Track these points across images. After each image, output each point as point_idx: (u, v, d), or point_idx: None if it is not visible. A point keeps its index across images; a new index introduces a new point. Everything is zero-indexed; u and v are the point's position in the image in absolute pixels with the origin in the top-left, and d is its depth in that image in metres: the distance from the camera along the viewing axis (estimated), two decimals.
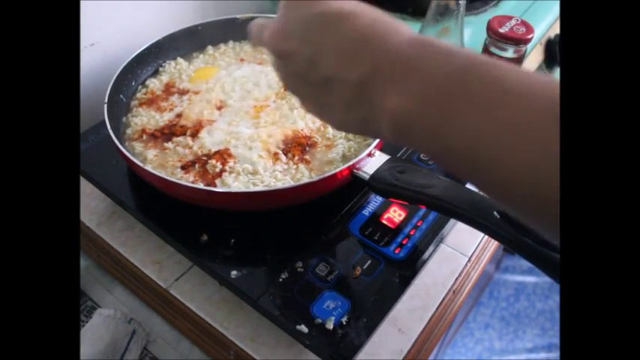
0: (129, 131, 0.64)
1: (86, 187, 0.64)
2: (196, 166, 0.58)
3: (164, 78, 0.72)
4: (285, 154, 0.60)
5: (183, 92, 0.69)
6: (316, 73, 0.33)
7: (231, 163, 0.58)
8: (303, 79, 0.34)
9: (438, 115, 0.28)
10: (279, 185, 0.56)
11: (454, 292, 0.58)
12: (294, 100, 0.66)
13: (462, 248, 0.61)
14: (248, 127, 0.63)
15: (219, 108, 0.66)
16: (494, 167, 0.26)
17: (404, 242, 0.56)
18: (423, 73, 0.29)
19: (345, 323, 0.49)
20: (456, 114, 0.27)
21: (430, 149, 0.30)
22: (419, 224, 0.58)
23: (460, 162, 0.28)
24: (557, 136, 0.24)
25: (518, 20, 0.66)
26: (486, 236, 0.62)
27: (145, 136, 0.63)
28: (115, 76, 0.65)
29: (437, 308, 0.56)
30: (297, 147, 0.60)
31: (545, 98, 0.25)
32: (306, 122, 0.64)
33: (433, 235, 0.57)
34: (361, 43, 0.31)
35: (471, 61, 0.28)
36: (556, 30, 0.89)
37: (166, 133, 0.63)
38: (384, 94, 0.30)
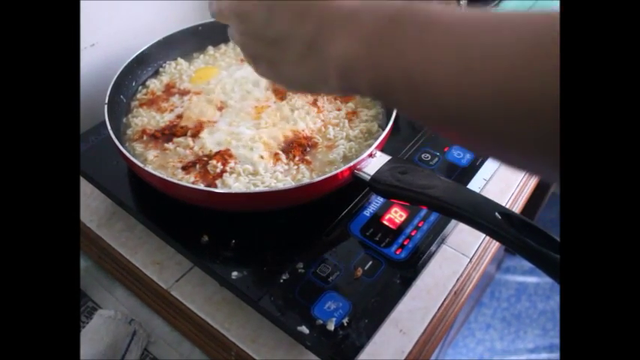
0: (129, 132, 0.64)
1: (86, 188, 0.64)
2: (197, 166, 0.58)
3: (164, 78, 0.72)
4: (286, 155, 0.59)
5: (183, 93, 0.69)
6: (271, 31, 0.36)
7: (231, 163, 0.58)
8: (259, 37, 0.38)
9: (378, 48, 0.31)
10: (280, 186, 0.56)
11: (455, 292, 0.58)
12: (295, 101, 0.66)
13: (464, 249, 0.61)
14: (249, 127, 0.62)
15: (220, 108, 0.66)
16: (431, 88, 0.29)
17: (405, 243, 0.56)
18: (364, 18, 0.32)
19: (346, 324, 0.48)
20: (392, 43, 0.30)
21: (373, 86, 0.32)
22: (420, 225, 0.58)
23: (400, 90, 0.31)
24: (480, 59, 0.27)
25: None
26: (488, 237, 0.62)
27: (145, 137, 0.63)
28: (116, 76, 0.65)
29: (438, 309, 0.56)
30: (297, 148, 0.60)
31: (468, 27, 0.28)
32: (307, 123, 0.64)
33: (434, 235, 0.57)
34: (311, 3, 0.35)
35: (409, 2, 0.31)
36: None
37: (167, 134, 0.63)
38: (331, 42, 0.33)
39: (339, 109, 0.67)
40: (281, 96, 0.67)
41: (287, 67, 0.37)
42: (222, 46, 0.78)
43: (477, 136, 0.30)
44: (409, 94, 0.31)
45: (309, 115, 0.65)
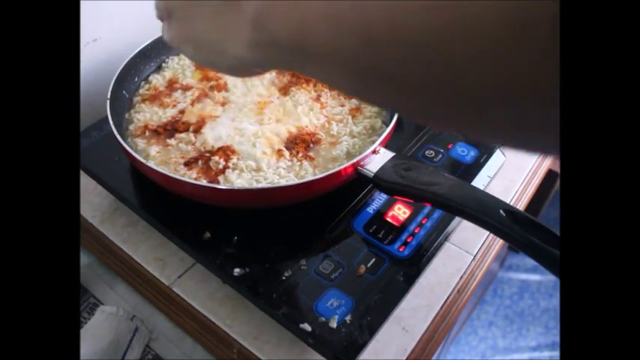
0: (131, 127, 0.64)
1: (89, 184, 0.64)
2: (199, 162, 0.58)
3: (167, 74, 0.72)
4: (289, 151, 0.59)
5: (186, 88, 0.69)
6: None
7: (234, 159, 0.57)
8: None
9: None
10: (283, 182, 0.55)
11: (459, 290, 0.57)
12: (298, 97, 0.66)
13: (467, 246, 0.60)
14: (252, 123, 0.62)
15: (223, 104, 0.65)
16: (363, 24, 0.24)
17: (408, 240, 0.55)
18: None
19: (348, 322, 0.48)
20: None
21: (292, 30, 0.27)
22: (424, 222, 0.57)
23: (322, 32, 0.26)
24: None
25: None
26: (491, 234, 0.61)
27: (147, 133, 0.62)
28: (118, 72, 0.65)
29: (441, 307, 0.55)
30: (301, 144, 0.60)
31: None
32: (310, 119, 0.63)
33: (438, 233, 0.57)
34: None
35: None
36: None
37: (169, 130, 0.62)
38: None
39: (342, 105, 0.66)
40: (284, 91, 0.67)
41: (199, 23, 0.34)
42: None
43: (425, 100, 0.24)
44: (334, 36, 0.25)
45: (312, 110, 0.64)
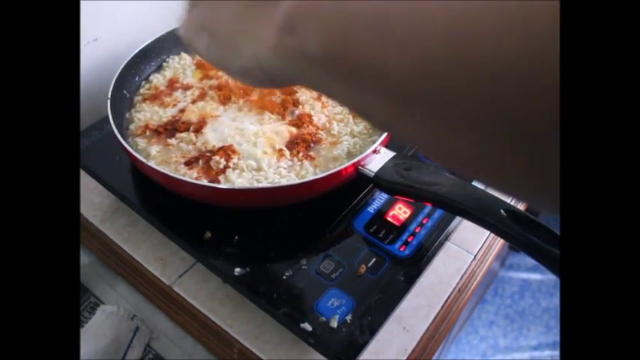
0: (132, 127, 0.64)
1: (89, 183, 0.64)
2: (200, 162, 0.58)
3: (168, 73, 0.72)
4: (290, 151, 0.59)
5: (186, 87, 0.69)
6: None
7: (235, 159, 0.57)
8: None
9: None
10: (284, 182, 0.55)
11: (459, 290, 0.57)
12: (299, 96, 0.66)
13: (468, 246, 0.60)
14: (252, 123, 0.62)
15: (224, 104, 0.65)
16: (414, 37, 0.19)
17: (409, 240, 0.55)
18: None
19: (349, 321, 0.48)
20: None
21: (326, 39, 0.23)
22: (424, 222, 0.57)
23: (364, 42, 0.21)
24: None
25: None
26: (492, 234, 0.61)
27: (148, 132, 0.62)
28: (119, 71, 0.65)
29: (442, 307, 0.55)
30: (301, 143, 0.60)
31: None
32: (311, 119, 0.63)
33: (439, 232, 0.57)
34: None
35: None
36: None
37: (170, 129, 0.62)
38: None
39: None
40: (285, 91, 0.67)
41: (225, 11, 0.30)
42: None
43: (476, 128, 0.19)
44: (385, 52, 0.20)
45: (313, 110, 0.64)
